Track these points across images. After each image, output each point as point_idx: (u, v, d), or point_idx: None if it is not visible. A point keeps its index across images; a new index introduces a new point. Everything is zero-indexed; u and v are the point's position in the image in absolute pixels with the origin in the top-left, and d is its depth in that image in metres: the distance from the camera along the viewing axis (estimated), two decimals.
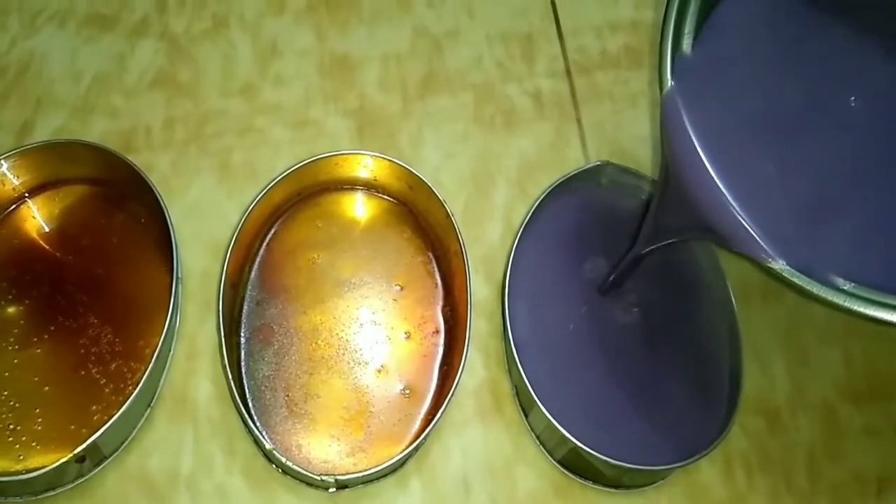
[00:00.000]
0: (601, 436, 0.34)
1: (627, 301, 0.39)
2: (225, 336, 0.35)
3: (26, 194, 0.39)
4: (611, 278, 0.38)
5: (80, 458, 0.33)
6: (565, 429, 0.34)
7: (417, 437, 0.35)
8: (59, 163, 0.39)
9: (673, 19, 0.30)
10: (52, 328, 0.37)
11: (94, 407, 0.36)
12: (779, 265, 0.27)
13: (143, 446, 0.36)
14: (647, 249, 0.35)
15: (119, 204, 0.40)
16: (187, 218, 0.41)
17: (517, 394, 0.38)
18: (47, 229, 0.39)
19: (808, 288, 0.27)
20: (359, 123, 0.45)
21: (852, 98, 0.30)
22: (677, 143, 0.30)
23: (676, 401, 0.37)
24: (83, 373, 0.36)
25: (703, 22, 0.31)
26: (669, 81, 0.30)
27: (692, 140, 0.29)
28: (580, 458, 0.35)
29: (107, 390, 0.36)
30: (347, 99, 0.46)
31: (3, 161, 0.37)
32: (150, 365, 0.34)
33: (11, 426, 0.35)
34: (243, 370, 0.37)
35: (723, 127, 0.30)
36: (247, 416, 0.33)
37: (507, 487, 0.37)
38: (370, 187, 0.42)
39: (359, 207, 0.42)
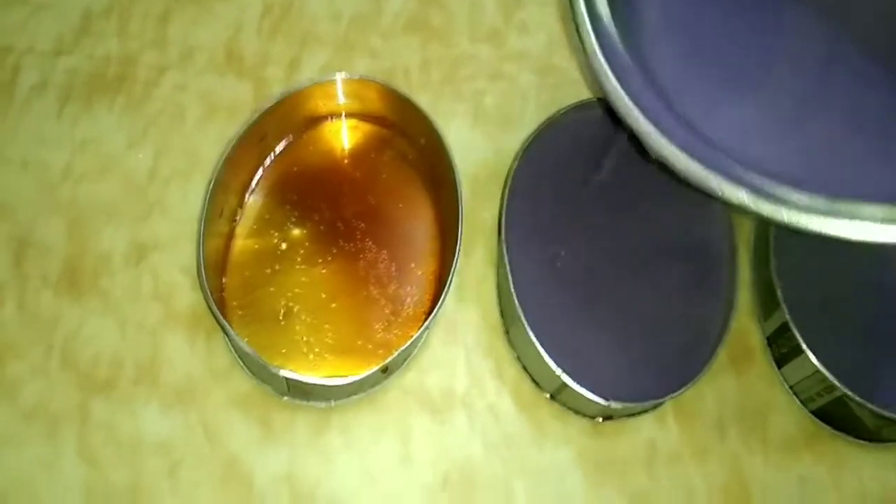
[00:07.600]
0: (870, 386, 0.35)
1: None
2: (499, 269, 0.37)
3: (343, 114, 0.42)
4: None
5: (384, 369, 0.36)
6: (837, 379, 0.35)
7: (677, 384, 0.37)
8: (356, 97, 0.41)
9: None
10: (335, 251, 0.40)
11: (377, 325, 0.38)
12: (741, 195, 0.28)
13: (422, 365, 0.39)
14: None
15: (389, 142, 0.43)
16: None
17: (769, 345, 0.39)
18: (341, 153, 0.42)
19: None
20: None
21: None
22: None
23: None
24: (365, 293, 0.39)
25: None
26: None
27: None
28: (841, 408, 0.36)
29: (386, 311, 0.39)
30: None
31: (337, 75, 0.41)
32: (446, 292, 0.36)
33: (305, 338, 0.38)
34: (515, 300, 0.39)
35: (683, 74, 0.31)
36: (537, 343, 0.35)
37: (760, 433, 0.38)
38: None
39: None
